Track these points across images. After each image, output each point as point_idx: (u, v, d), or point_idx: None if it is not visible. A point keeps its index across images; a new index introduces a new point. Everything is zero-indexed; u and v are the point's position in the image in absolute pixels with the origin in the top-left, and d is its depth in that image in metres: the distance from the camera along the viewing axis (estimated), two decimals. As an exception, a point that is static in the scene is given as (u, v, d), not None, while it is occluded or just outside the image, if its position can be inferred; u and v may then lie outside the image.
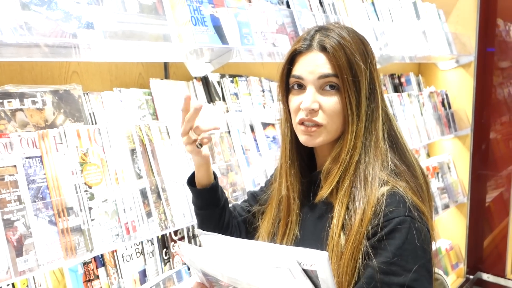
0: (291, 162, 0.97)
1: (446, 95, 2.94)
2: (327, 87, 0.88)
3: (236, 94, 1.67)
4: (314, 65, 0.88)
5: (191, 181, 1.11)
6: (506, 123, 3.01)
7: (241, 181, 1.48)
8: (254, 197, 1.18)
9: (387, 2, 2.27)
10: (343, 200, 0.86)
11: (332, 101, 0.88)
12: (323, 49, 0.87)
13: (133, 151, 1.21)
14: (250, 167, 1.52)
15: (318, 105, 0.88)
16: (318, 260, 0.68)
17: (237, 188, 1.46)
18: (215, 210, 1.09)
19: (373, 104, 0.90)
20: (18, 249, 0.95)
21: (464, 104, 2.97)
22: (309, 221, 0.94)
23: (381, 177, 0.86)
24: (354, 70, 0.86)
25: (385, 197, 0.82)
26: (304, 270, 0.70)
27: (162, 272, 1.39)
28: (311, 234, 0.92)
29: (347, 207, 0.85)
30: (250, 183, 1.50)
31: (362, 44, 0.90)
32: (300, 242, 0.94)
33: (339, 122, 0.89)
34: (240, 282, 0.74)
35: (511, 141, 3.00)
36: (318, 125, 0.89)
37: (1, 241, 0.92)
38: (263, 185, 1.20)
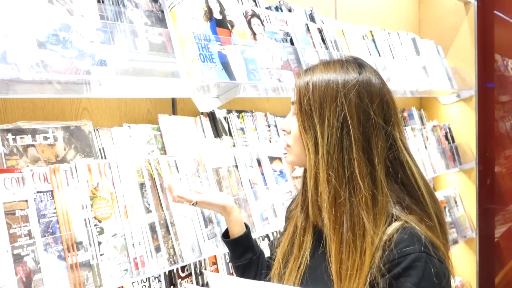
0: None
1: (449, 128, 2.96)
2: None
3: (242, 129, 1.69)
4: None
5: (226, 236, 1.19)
6: (511, 157, 3.01)
7: (249, 215, 1.47)
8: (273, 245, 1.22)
9: (387, 39, 2.33)
10: (334, 246, 0.84)
11: (295, 125, 0.94)
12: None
13: (142, 185, 1.22)
14: (258, 201, 1.51)
15: (289, 127, 0.96)
16: None
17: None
18: (252, 259, 1.13)
19: (343, 136, 0.85)
20: (27, 285, 0.93)
21: (467, 137, 2.98)
22: (320, 251, 0.93)
23: (390, 212, 0.83)
24: (310, 99, 0.88)
25: (397, 233, 0.80)
26: None
27: (170, 310, 1.36)
28: (320, 264, 0.91)
29: (341, 254, 0.83)
30: (258, 217, 1.49)
31: (337, 73, 0.89)
32: (311, 272, 0.93)
33: (302, 148, 0.92)
34: None
35: (516, 175, 2.99)
36: (288, 145, 0.97)
37: (10, 277, 0.91)
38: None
